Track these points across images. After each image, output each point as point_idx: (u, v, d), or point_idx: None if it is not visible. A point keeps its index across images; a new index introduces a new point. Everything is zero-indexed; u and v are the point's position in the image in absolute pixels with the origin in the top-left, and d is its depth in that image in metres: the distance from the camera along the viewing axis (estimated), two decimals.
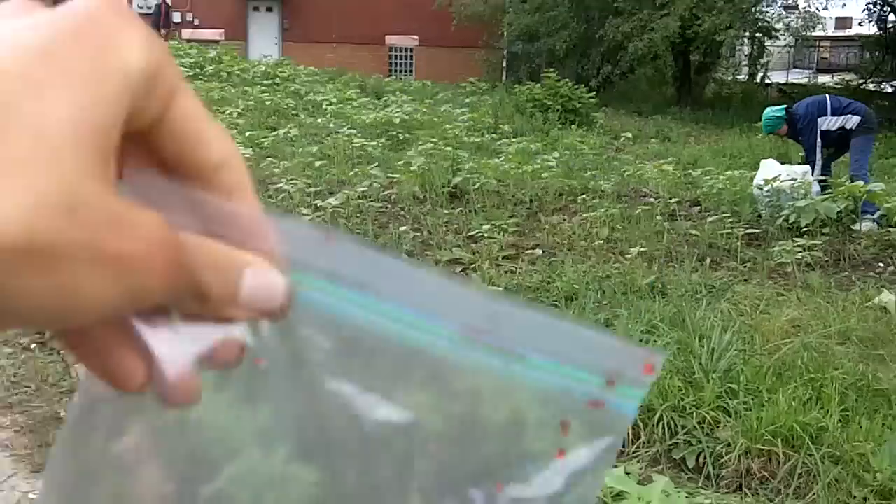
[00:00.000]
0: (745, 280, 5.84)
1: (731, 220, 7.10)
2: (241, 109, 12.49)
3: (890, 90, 26.75)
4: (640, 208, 7.41)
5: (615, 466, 3.03)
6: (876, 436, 3.25)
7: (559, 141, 13.49)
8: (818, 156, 8.09)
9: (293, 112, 13.48)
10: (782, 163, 8.38)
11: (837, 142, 8.16)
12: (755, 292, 5.36)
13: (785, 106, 8.43)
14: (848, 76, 29.56)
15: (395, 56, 30.25)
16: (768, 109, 8.45)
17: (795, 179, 7.49)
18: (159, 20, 24.90)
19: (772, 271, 6.12)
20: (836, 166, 8.50)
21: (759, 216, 7.71)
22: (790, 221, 6.97)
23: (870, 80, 27.30)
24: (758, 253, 6.55)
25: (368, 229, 6.75)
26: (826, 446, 3.23)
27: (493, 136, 13.12)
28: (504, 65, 28.63)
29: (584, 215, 7.33)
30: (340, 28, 28.65)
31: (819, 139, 8.07)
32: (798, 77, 34.32)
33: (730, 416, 3.49)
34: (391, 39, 29.95)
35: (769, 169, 7.90)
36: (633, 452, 3.44)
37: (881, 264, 6.45)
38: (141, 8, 26.72)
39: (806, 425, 3.31)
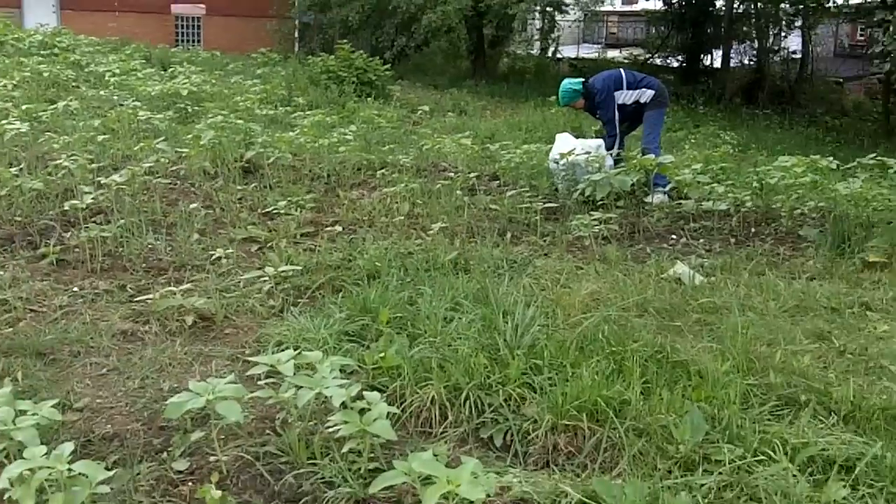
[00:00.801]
0: (546, 254, 5.88)
1: (529, 194, 7.17)
2: (16, 81, 11.61)
3: (675, 65, 28.20)
4: (440, 183, 7.36)
5: (423, 449, 2.93)
6: (677, 407, 3.29)
7: (356, 114, 13.38)
8: (617, 129, 8.30)
9: (73, 84, 12.68)
10: (577, 136, 8.56)
11: (632, 115, 8.41)
12: (555, 266, 5.40)
13: (582, 80, 8.56)
14: (636, 51, 30.95)
15: (182, 25, 29.05)
16: (565, 82, 8.53)
17: (590, 153, 7.65)
18: None
19: (570, 245, 6.21)
20: (628, 140, 8.77)
21: (556, 190, 7.84)
22: (586, 195, 7.11)
23: (656, 55, 28.68)
24: (556, 227, 6.64)
25: (156, 207, 6.38)
26: (630, 419, 3.24)
27: (287, 108, 12.85)
28: (296, 35, 28.08)
29: (384, 190, 7.21)
30: None
31: (616, 113, 8.28)
32: (588, 52, 35.62)
33: (535, 393, 3.46)
34: (177, 8, 28.73)
35: (564, 143, 8.04)
36: (441, 433, 3.35)
37: (674, 236, 6.67)
38: None
39: (609, 399, 3.31)
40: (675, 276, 5.25)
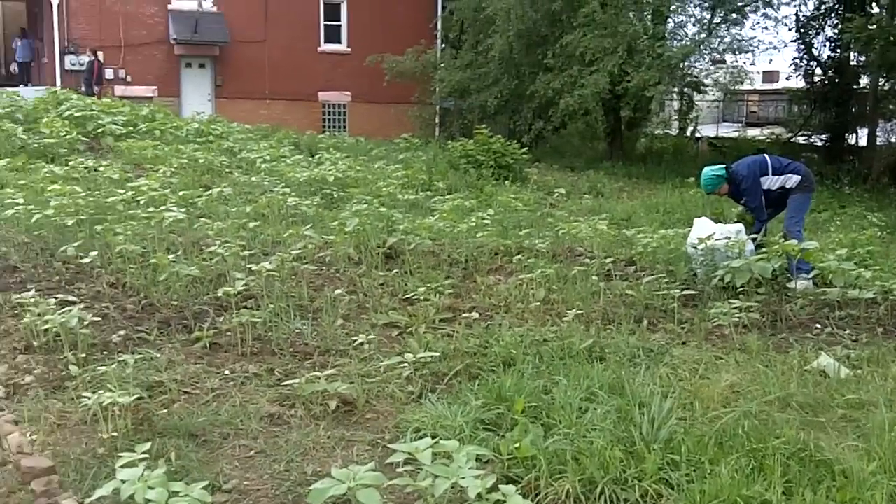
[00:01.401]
0: (683, 343, 5.81)
1: (666, 280, 7.10)
2: (174, 168, 12.30)
3: (819, 143, 27.42)
4: (575, 268, 7.39)
5: None
6: None
7: (493, 197, 13.55)
8: (765, 215, 8.19)
9: (227, 170, 13.32)
10: (717, 221, 8.46)
11: (776, 201, 8.27)
12: (693, 356, 5.33)
13: (724, 165, 8.46)
14: (777, 129, 30.24)
15: (329, 112, 30.30)
16: (707, 169, 8.43)
17: (729, 238, 7.55)
18: (92, 77, 24.64)
19: (709, 333, 6.10)
20: (771, 223, 8.59)
21: (695, 276, 7.74)
22: (725, 281, 6.97)
23: (799, 134, 27.98)
24: (694, 314, 6.54)
25: (303, 293, 6.64)
26: None
27: (428, 193, 13.12)
28: (437, 120, 28.89)
29: (520, 276, 7.27)
30: (273, 84, 28.65)
31: (763, 199, 8.16)
32: (728, 130, 35.07)
33: (672, 489, 3.43)
34: (324, 95, 30.02)
35: (702, 227, 7.95)
36: None
37: (818, 325, 6.45)
38: (74, 65, 26.44)
39: (749, 499, 3.26)
40: (820, 369, 5.10)
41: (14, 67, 29.85)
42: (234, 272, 6.66)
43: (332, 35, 30.27)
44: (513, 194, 13.99)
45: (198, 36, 27.47)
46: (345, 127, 29.62)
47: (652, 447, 3.65)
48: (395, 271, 7.49)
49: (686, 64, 24.38)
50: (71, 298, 5.99)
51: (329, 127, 29.35)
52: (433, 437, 3.39)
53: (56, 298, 5.70)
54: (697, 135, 29.93)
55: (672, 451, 3.65)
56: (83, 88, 23.55)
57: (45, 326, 5.15)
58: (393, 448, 3.39)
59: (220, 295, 6.21)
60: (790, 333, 6.18)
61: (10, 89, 20.14)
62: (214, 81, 28.82)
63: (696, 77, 26.15)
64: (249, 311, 5.80)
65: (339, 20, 30.31)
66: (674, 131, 30.46)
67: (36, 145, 12.82)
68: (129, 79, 27.48)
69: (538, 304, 6.57)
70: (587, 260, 7.95)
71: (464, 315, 6.23)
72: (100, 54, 25.38)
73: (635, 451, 3.65)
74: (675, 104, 29.96)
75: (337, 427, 4.33)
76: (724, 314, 6.05)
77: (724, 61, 27.61)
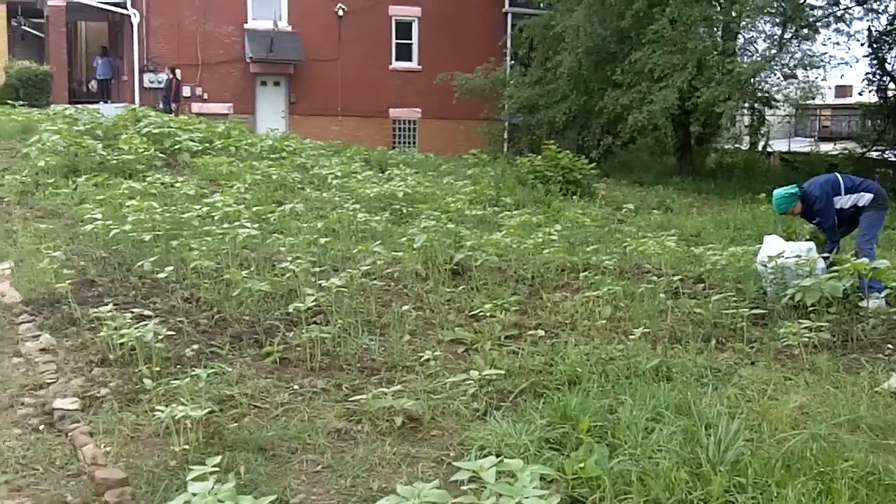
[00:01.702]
0: (752, 363, 5.73)
1: (735, 298, 7.02)
2: (248, 184, 12.49)
3: (893, 158, 26.73)
4: (643, 286, 7.34)
5: None
6: None
7: (561, 213, 13.51)
8: (838, 235, 8.07)
9: (299, 186, 13.47)
10: (789, 238, 8.33)
11: (849, 219, 8.13)
12: (762, 376, 5.26)
13: (796, 185, 8.34)
14: (850, 144, 29.59)
15: (399, 128, 30.55)
16: (779, 190, 8.30)
17: (800, 256, 7.43)
18: (170, 94, 25.23)
19: (778, 353, 6.02)
20: (843, 241, 8.44)
21: (764, 294, 7.64)
22: (795, 300, 6.88)
23: (872, 149, 27.33)
24: (764, 333, 6.45)
25: (371, 308, 6.72)
26: None
27: (495, 208, 13.11)
28: (505, 136, 28.93)
29: (587, 293, 7.26)
30: (346, 101, 29.00)
31: (835, 219, 8.04)
32: (800, 145, 34.45)
33: None
34: (395, 112, 30.29)
35: (772, 245, 7.86)
36: None
37: (890, 346, 6.31)
38: (152, 82, 27.12)
39: None
40: (891, 390, 5.00)
41: (94, 85, 30.69)
42: (305, 288, 6.77)
43: (404, 53, 30.54)
44: (580, 210, 13.94)
45: (273, 55, 27.91)
46: (415, 143, 29.80)
47: (718, 469, 3.62)
48: (461, 287, 7.53)
49: (756, 79, 24.03)
50: (146, 313, 6.17)
51: (399, 143, 29.57)
52: (498, 456, 3.41)
53: (132, 312, 5.87)
54: (769, 150, 29.46)
55: (739, 473, 3.62)
56: (161, 105, 24.11)
57: (121, 340, 5.28)
58: (457, 466, 3.42)
59: (290, 310, 6.32)
60: (861, 354, 6.07)
61: (90, 106, 20.69)
62: (288, 98, 29.26)
63: (767, 92, 25.77)
64: (319, 327, 5.90)
65: (411, 39, 30.57)
66: (744, 146, 30.03)
67: (115, 161, 13.11)
68: (205, 96, 28.04)
69: (604, 321, 6.55)
70: (655, 277, 7.89)
71: (529, 332, 6.24)
72: (178, 72, 25.94)
73: (701, 473, 3.63)
74: (746, 119, 29.55)
75: (402, 443, 4.38)
76: (794, 334, 5.95)
77: (795, 76, 27.15)
